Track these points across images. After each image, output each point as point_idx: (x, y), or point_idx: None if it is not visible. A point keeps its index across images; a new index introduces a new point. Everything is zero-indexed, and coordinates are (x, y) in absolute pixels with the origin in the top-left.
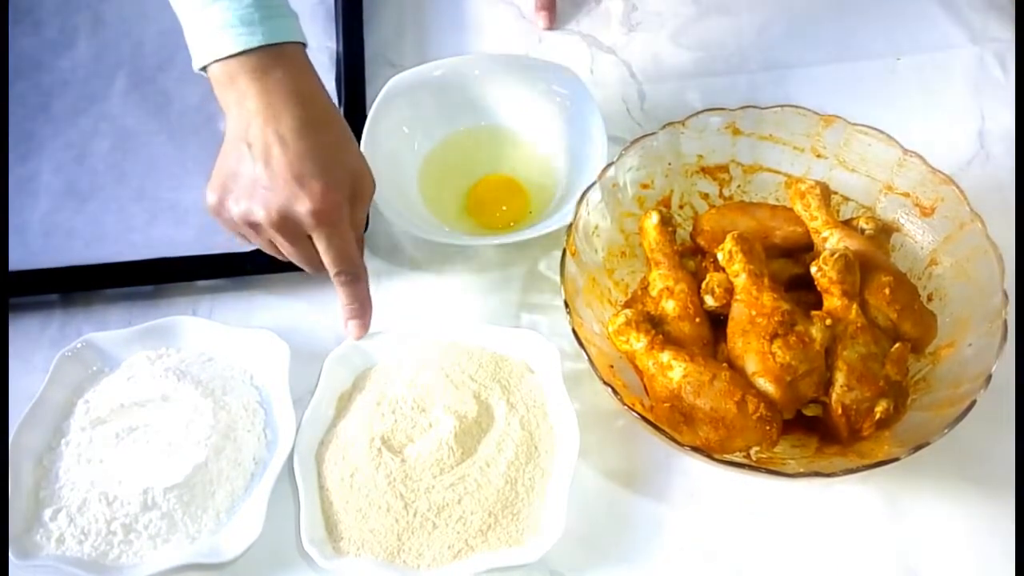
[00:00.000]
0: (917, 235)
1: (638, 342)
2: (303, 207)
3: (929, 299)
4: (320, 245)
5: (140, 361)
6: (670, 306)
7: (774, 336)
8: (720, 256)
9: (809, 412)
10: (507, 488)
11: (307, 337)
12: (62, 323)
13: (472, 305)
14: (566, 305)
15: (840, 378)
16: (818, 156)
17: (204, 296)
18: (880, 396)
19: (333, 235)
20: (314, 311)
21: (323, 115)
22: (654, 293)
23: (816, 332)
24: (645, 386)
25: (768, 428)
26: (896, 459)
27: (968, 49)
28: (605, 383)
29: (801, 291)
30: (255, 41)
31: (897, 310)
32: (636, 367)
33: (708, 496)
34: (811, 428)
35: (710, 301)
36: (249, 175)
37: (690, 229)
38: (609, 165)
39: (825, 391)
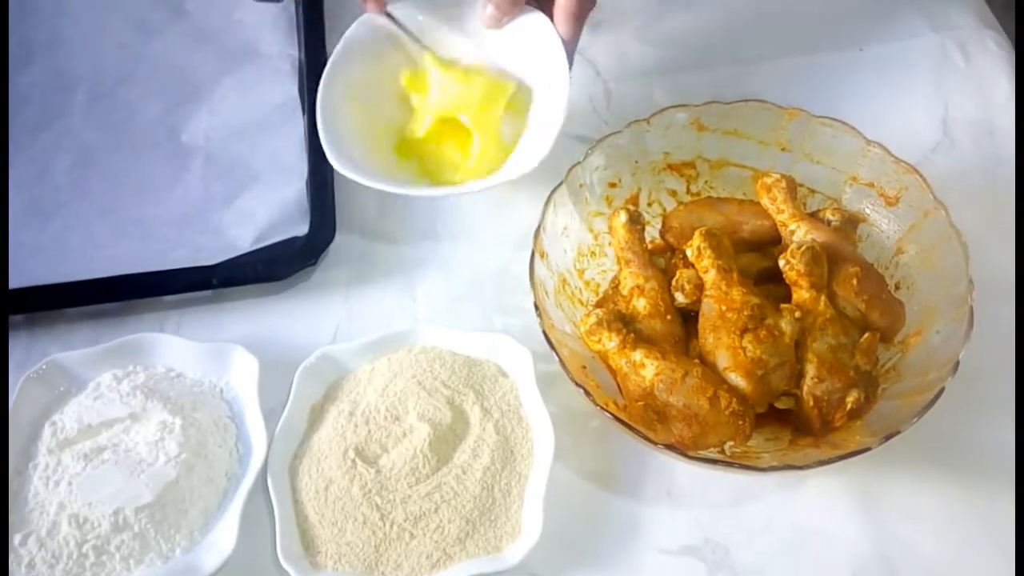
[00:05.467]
0: (883, 225)
1: (610, 341)
2: None
3: (896, 288)
4: None
5: (107, 380)
6: (641, 304)
7: (744, 331)
8: (689, 252)
9: (781, 405)
10: (484, 494)
11: (277, 349)
12: (27, 345)
13: (442, 310)
14: (536, 307)
15: (811, 370)
16: (783, 149)
17: (171, 312)
18: (851, 386)
19: None
20: (283, 323)
21: None
22: (625, 292)
23: (786, 325)
24: (619, 385)
25: (741, 423)
26: (868, 449)
27: (930, 38)
28: (577, 384)
29: (770, 284)
30: None
31: (865, 300)
32: (609, 367)
33: (685, 493)
34: (784, 421)
35: (680, 298)
36: None
37: (659, 226)
38: (575, 165)
39: (796, 384)
